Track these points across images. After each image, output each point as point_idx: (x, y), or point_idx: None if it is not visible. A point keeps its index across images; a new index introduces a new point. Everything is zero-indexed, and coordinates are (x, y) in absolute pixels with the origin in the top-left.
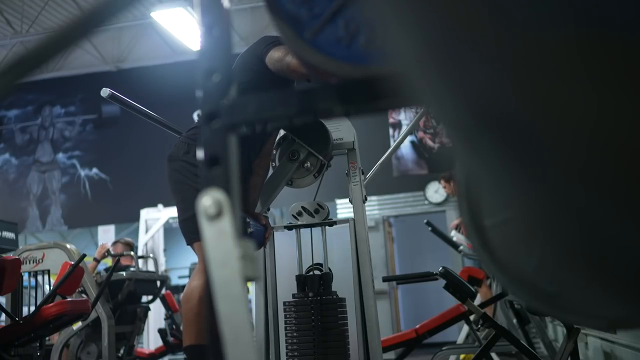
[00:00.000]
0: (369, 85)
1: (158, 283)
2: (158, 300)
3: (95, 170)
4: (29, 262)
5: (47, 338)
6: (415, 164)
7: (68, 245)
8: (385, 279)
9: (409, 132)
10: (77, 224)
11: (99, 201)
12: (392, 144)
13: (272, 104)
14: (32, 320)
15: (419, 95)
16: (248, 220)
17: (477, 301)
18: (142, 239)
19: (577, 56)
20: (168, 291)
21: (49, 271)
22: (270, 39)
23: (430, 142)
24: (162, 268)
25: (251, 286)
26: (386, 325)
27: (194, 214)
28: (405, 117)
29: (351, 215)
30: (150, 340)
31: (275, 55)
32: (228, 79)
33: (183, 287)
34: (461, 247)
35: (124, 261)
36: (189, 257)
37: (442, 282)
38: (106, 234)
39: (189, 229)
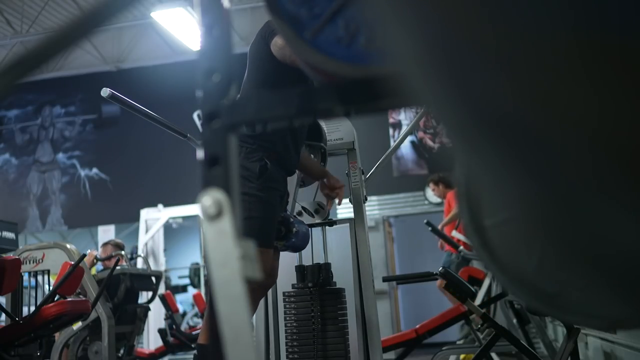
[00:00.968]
0: (369, 85)
1: (154, 279)
2: (158, 300)
3: (95, 170)
4: (29, 262)
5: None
6: (415, 164)
7: (68, 245)
8: (385, 279)
9: (409, 132)
10: (77, 224)
11: (99, 201)
12: (392, 144)
13: (272, 104)
14: (32, 320)
15: (419, 96)
16: (292, 220)
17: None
18: (142, 239)
19: (577, 56)
20: (168, 291)
21: (49, 271)
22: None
23: (430, 142)
24: (162, 268)
25: None
26: (386, 325)
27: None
28: (405, 117)
29: (351, 215)
30: (150, 340)
31: (279, 41)
32: (228, 79)
33: (183, 287)
34: (461, 247)
35: (114, 262)
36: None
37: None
38: (106, 234)
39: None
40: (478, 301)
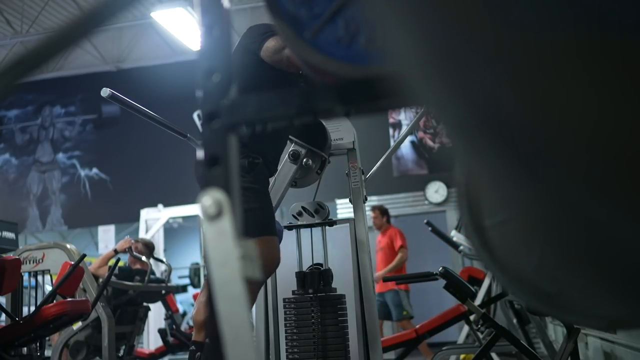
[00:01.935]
0: (369, 85)
1: (163, 292)
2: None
3: (95, 170)
4: (29, 262)
5: (47, 338)
6: (415, 164)
7: (68, 245)
8: (385, 279)
9: (409, 132)
10: (77, 224)
11: (99, 201)
12: (392, 144)
13: (272, 104)
14: (32, 320)
15: (419, 96)
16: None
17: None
18: None
19: (577, 56)
20: None
21: (49, 271)
22: (260, 30)
23: (430, 142)
24: (162, 268)
25: None
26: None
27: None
28: (405, 117)
29: (351, 215)
30: (150, 340)
31: (270, 45)
32: (228, 79)
33: (183, 287)
34: (461, 247)
35: (139, 264)
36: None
37: (442, 282)
38: (106, 234)
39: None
40: (478, 301)
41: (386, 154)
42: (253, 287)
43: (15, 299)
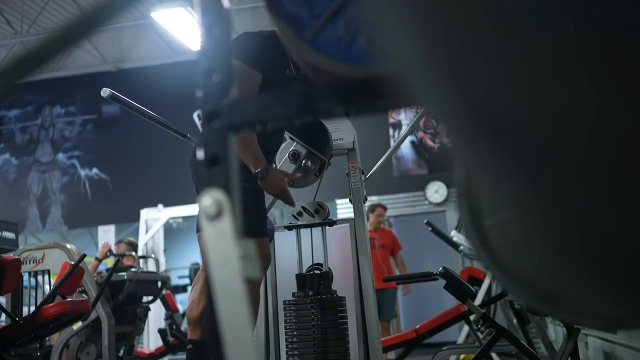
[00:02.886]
0: (369, 85)
1: (159, 284)
2: (158, 300)
3: (95, 170)
4: (29, 262)
5: (47, 338)
6: (415, 164)
7: (68, 245)
8: (385, 279)
9: (409, 132)
10: (77, 224)
11: (99, 201)
12: (392, 144)
13: (272, 104)
14: (32, 320)
15: (419, 95)
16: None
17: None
18: (142, 239)
19: (576, 56)
20: (168, 291)
21: (49, 271)
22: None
23: (430, 142)
24: (162, 268)
25: None
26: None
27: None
28: (405, 117)
29: (351, 215)
30: (150, 340)
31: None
32: (228, 79)
33: (183, 287)
34: (461, 247)
35: (126, 261)
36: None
37: (442, 282)
38: (106, 234)
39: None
40: (478, 301)
41: (386, 154)
42: (253, 287)
43: (15, 299)
